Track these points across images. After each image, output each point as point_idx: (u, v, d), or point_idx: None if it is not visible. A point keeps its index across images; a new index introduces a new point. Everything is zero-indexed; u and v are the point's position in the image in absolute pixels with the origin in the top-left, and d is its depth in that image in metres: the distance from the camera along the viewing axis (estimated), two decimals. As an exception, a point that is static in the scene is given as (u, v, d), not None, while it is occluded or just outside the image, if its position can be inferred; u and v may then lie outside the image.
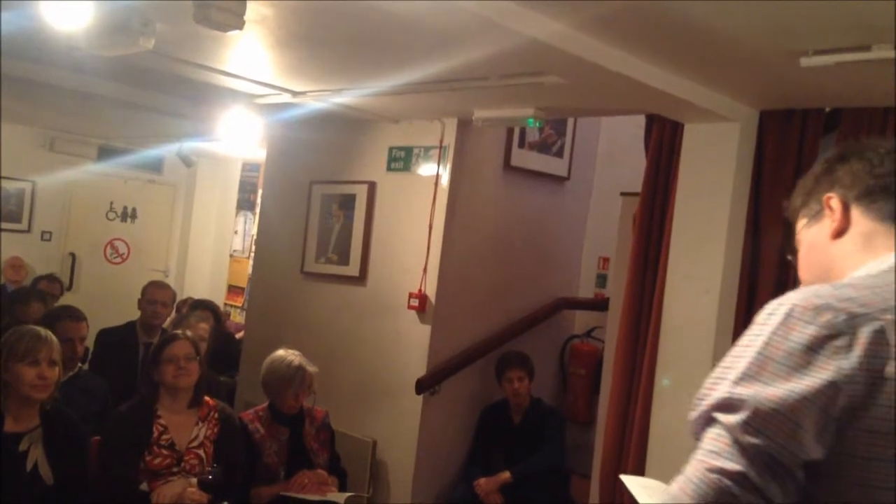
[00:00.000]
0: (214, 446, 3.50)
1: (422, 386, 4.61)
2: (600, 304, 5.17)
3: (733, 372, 1.14)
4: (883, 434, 1.08)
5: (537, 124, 4.29)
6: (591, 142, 5.58)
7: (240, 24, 2.70)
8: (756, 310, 3.81)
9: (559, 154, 5.34)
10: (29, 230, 8.11)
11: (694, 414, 1.17)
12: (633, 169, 4.54)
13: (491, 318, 5.02)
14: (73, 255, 8.40)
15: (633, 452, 3.99)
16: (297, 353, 3.90)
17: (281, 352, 3.92)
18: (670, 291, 3.88)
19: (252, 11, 2.84)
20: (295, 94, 4.39)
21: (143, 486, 3.29)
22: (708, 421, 1.14)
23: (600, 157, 5.65)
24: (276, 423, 3.81)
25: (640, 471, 3.92)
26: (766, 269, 3.72)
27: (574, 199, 5.54)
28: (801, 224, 1.44)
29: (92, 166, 8.26)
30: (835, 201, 1.35)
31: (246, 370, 5.52)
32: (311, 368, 3.84)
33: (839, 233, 1.34)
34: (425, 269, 4.65)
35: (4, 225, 7.78)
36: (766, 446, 1.08)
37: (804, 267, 1.42)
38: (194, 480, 3.30)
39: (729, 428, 1.10)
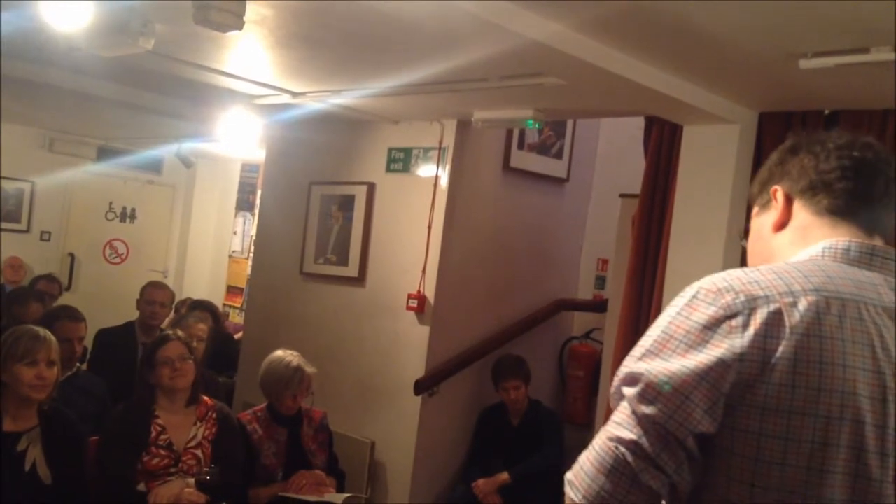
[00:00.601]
0: (212, 446, 3.50)
1: (420, 387, 4.61)
2: (599, 306, 5.17)
3: (640, 349, 1.22)
4: (775, 411, 1.13)
5: (537, 126, 4.29)
6: (591, 143, 5.58)
7: (239, 25, 2.70)
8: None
9: (558, 155, 5.35)
10: (28, 230, 8.11)
11: (612, 388, 1.25)
12: (632, 170, 4.54)
13: (489, 320, 5.02)
14: (72, 256, 8.40)
15: (631, 454, 3.98)
16: (295, 353, 3.90)
17: (279, 352, 3.92)
18: (669, 293, 3.88)
19: (251, 12, 2.84)
20: (294, 94, 4.39)
21: (141, 487, 3.28)
22: (619, 396, 1.22)
23: (599, 159, 5.65)
24: (275, 423, 3.80)
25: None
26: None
27: (573, 201, 5.54)
28: (753, 212, 1.47)
29: (91, 167, 8.26)
30: (779, 193, 1.38)
31: (244, 371, 5.51)
32: (310, 369, 3.84)
33: (780, 225, 1.37)
34: (424, 271, 4.65)
35: (4, 225, 7.77)
36: (657, 416, 1.15)
37: (750, 254, 1.46)
38: (192, 481, 3.29)
39: (629, 399, 1.19)
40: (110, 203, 8.68)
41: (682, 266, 3.84)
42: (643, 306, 4.08)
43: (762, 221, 1.42)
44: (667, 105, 3.57)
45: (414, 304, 4.65)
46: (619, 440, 1.17)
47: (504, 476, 4.48)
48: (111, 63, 3.77)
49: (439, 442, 4.78)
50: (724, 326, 1.16)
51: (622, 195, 4.60)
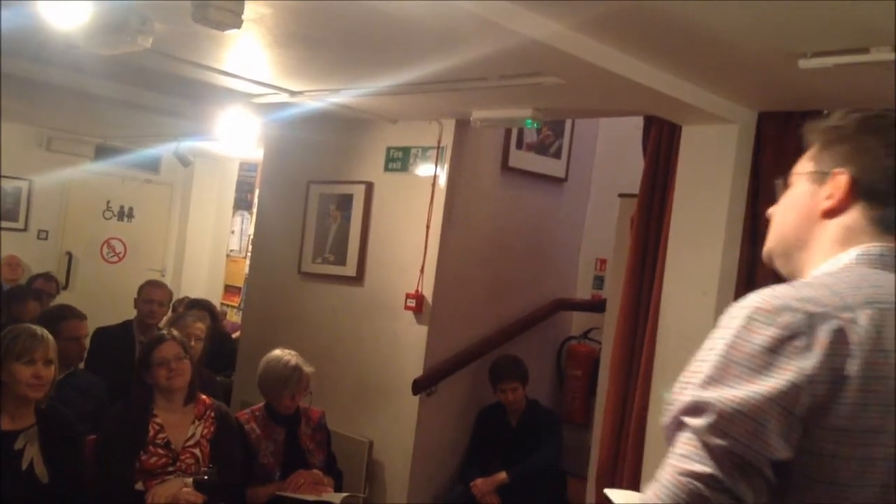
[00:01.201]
0: (210, 446, 3.50)
1: (418, 386, 4.61)
2: (597, 306, 5.17)
3: (698, 376, 1.15)
4: (848, 432, 1.09)
5: (535, 125, 4.29)
6: (589, 143, 5.58)
7: (238, 23, 2.70)
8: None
9: (557, 155, 5.35)
10: (26, 229, 8.09)
11: (665, 420, 1.18)
12: (630, 170, 4.54)
13: (488, 319, 5.01)
14: (69, 254, 8.39)
15: (629, 454, 3.98)
16: (293, 353, 3.90)
17: (277, 352, 3.91)
18: (667, 293, 3.88)
19: (250, 10, 2.84)
20: (293, 93, 4.38)
21: (139, 486, 3.28)
22: (678, 426, 1.15)
23: (598, 159, 5.65)
24: (273, 423, 3.80)
25: (636, 472, 3.92)
26: (763, 270, 3.72)
27: (572, 201, 5.54)
28: (804, 167, 1.36)
29: (89, 165, 8.24)
30: (843, 179, 1.28)
31: (242, 370, 5.51)
32: (308, 368, 3.84)
33: (832, 213, 1.29)
34: (422, 270, 4.64)
35: (1, 224, 7.76)
36: (732, 447, 1.09)
37: (781, 220, 1.37)
38: (190, 480, 3.29)
39: (696, 431, 1.11)
40: (108, 202, 8.67)
41: (680, 266, 3.84)
42: (642, 306, 4.08)
43: (811, 194, 1.32)
44: (666, 105, 3.57)
45: (412, 303, 4.64)
46: (693, 474, 1.10)
47: (502, 476, 4.48)
48: (109, 61, 3.76)
49: (437, 441, 4.77)
50: (788, 347, 1.10)
51: (621, 195, 4.60)
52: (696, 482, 1.10)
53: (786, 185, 1.38)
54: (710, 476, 1.09)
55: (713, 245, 3.73)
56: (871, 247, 1.24)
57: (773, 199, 3.92)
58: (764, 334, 1.12)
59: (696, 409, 1.13)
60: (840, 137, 1.32)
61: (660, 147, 4.09)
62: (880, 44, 2.67)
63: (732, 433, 1.09)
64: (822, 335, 1.10)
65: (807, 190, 1.32)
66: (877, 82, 2.98)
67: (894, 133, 1.29)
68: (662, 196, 4.04)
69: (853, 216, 1.27)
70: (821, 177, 1.31)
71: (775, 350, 1.11)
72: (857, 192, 1.27)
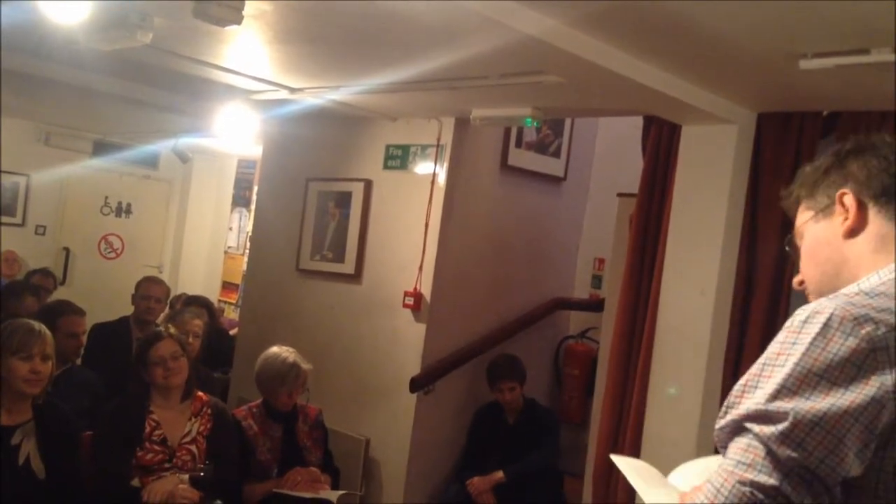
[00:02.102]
0: (207, 442, 3.49)
1: (416, 385, 4.60)
2: (595, 305, 5.17)
3: (770, 382, 1.10)
4: None
5: (535, 124, 4.29)
6: (589, 142, 5.58)
7: (238, 20, 2.69)
8: (752, 311, 3.80)
9: (556, 154, 5.34)
10: (23, 224, 8.08)
11: (721, 422, 1.14)
12: (630, 170, 4.54)
13: (486, 318, 5.01)
14: (67, 250, 8.38)
15: (626, 453, 3.98)
16: (291, 350, 3.90)
17: (275, 349, 3.91)
18: (666, 292, 3.88)
19: (250, 7, 2.83)
20: (292, 90, 4.38)
21: (135, 482, 3.28)
22: (737, 430, 1.11)
23: (597, 158, 5.65)
24: (270, 420, 3.80)
25: (633, 472, 3.91)
26: (761, 270, 3.72)
27: (570, 200, 5.53)
28: (804, 216, 1.38)
29: (87, 161, 8.25)
30: (849, 198, 1.29)
31: (240, 367, 5.51)
32: (306, 366, 3.84)
33: (853, 232, 1.29)
34: (421, 268, 4.64)
35: (-1, 219, 7.76)
36: (804, 460, 1.05)
37: (810, 263, 1.37)
38: (186, 477, 3.29)
39: (764, 439, 1.07)
40: (106, 197, 8.67)
41: (679, 266, 3.84)
42: (640, 306, 4.08)
43: (826, 227, 1.33)
44: (665, 104, 3.57)
45: (410, 301, 4.64)
46: (756, 484, 1.06)
47: (499, 475, 4.47)
48: (109, 57, 3.75)
49: (434, 440, 4.77)
50: (872, 361, 1.06)
51: (620, 194, 4.60)
52: (758, 493, 1.05)
53: (794, 247, 1.39)
54: (774, 488, 1.05)
55: (712, 245, 3.73)
56: None
57: (771, 200, 3.91)
58: (845, 345, 1.08)
59: (766, 417, 1.08)
60: (822, 174, 1.34)
61: (659, 147, 4.09)
62: (881, 45, 2.67)
63: (807, 446, 1.05)
64: None
65: (819, 229, 1.33)
66: (877, 83, 2.98)
67: (872, 142, 1.32)
68: (661, 196, 4.04)
69: (878, 223, 1.27)
70: (825, 210, 1.32)
71: (857, 363, 1.07)
72: (867, 199, 1.28)
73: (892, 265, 1.23)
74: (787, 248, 1.43)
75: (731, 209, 3.72)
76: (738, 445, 1.10)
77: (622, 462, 1.76)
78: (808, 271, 1.37)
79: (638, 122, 4.35)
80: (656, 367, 3.88)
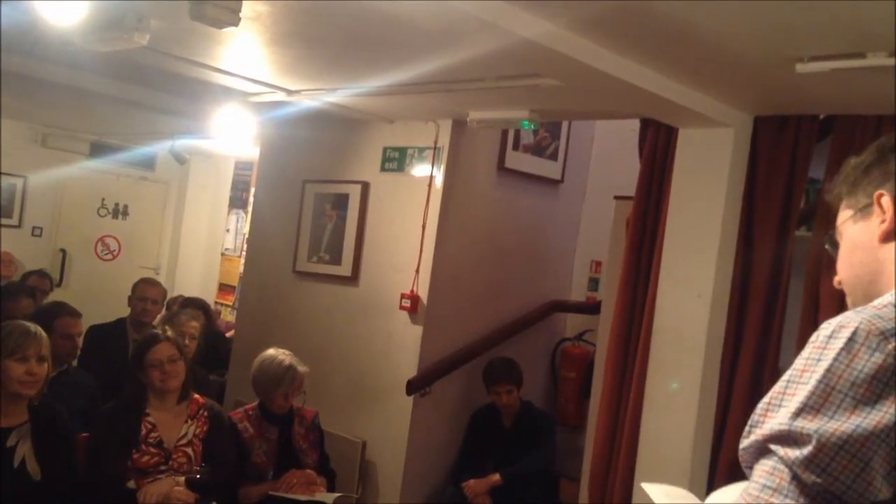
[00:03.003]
0: (203, 445, 3.49)
1: (412, 387, 4.60)
2: (592, 308, 5.17)
3: (793, 401, 1.06)
4: None
5: (532, 127, 4.29)
6: (586, 145, 5.58)
7: (235, 21, 2.69)
8: (748, 314, 3.80)
9: (553, 157, 5.35)
10: (20, 226, 8.07)
11: (746, 442, 1.10)
12: (626, 173, 4.54)
13: (483, 320, 5.01)
14: (63, 252, 8.37)
15: (622, 456, 3.98)
16: (287, 352, 3.89)
17: (271, 351, 3.91)
18: (662, 295, 3.88)
19: (247, 8, 2.83)
20: (289, 92, 4.38)
21: (131, 484, 3.27)
22: (762, 451, 1.08)
23: (594, 161, 5.65)
24: (266, 422, 3.79)
25: (629, 475, 3.92)
26: (758, 273, 3.73)
27: (567, 203, 5.54)
28: (844, 215, 1.31)
29: (84, 162, 8.23)
30: (886, 200, 1.22)
31: (236, 369, 5.50)
32: (302, 368, 3.83)
33: (890, 235, 1.22)
34: (418, 270, 4.64)
35: (-4, 220, 7.75)
36: (831, 486, 1.00)
37: (846, 265, 1.31)
38: (182, 479, 3.28)
39: (789, 463, 1.03)
40: (103, 199, 8.65)
41: (675, 268, 3.85)
42: (636, 309, 4.08)
43: (863, 229, 1.26)
44: (662, 107, 3.57)
45: (407, 303, 4.64)
46: None
47: (495, 477, 4.47)
48: (106, 58, 3.75)
49: (431, 442, 4.77)
50: None
51: (616, 197, 4.60)
52: None
53: (835, 245, 1.34)
54: None
55: (708, 248, 3.73)
56: None
57: (767, 203, 3.92)
58: (870, 361, 1.03)
59: (790, 438, 1.04)
60: (863, 173, 1.28)
61: (656, 150, 4.09)
62: (877, 49, 2.67)
63: (833, 471, 1.00)
64: None
65: (857, 230, 1.28)
66: (873, 87, 2.99)
67: None
68: (658, 199, 4.05)
69: None
70: (864, 210, 1.26)
71: (883, 380, 1.02)
72: None
73: None
74: (827, 247, 1.37)
75: (728, 212, 3.73)
76: (764, 468, 1.06)
77: (654, 489, 1.74)
78: (843, 273, 1.32)
79: (635, 124, 4.35)
80: (653, 369, 3.88)
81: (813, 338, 1.11)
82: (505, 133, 4.96)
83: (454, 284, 4.76)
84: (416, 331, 4.65)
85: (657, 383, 3.85)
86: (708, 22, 2.62)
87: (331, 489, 3.83)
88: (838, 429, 1.01)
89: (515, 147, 5.07)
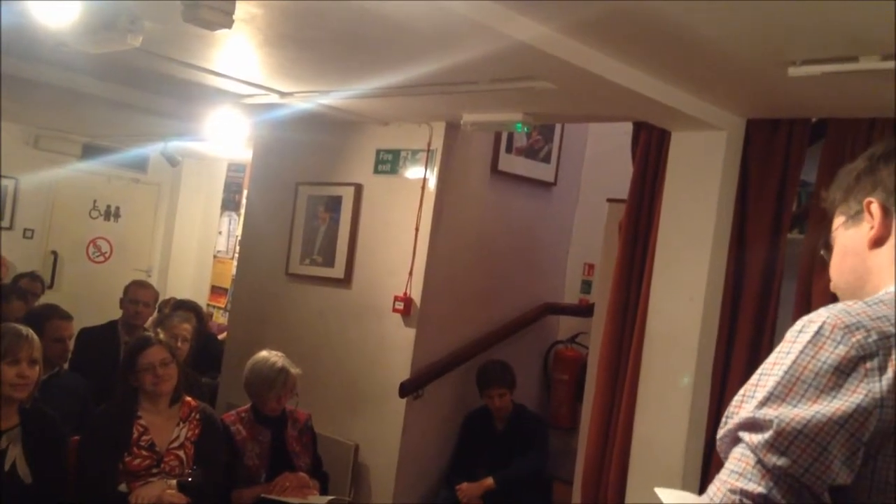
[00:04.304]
0: (195, 447, 3.48)
1: (405, 389, 4.60)
2: (585, 310, 5.17)
3: (760, 391, 1.11)
4: None
5: (525, 129, 4.30)
6: (579, 148, 5.59)
7: (228, 23, 2.69)
8: (740, 317, 3.82)
9: (546, 160, 5.35)
10: (11, 227, 8.03)
11: (721, 432, 1.15)
12: (619, 175, 4.55)
13: (476, 323, 5.01)
14: (55, 254, 8.33)
15: (615, 458, 3.99)
16: (280, 354, 3.89)
17: (264, 353, 3.90)
18: (655, 298, 3.89)
19: (241, 10, 2.83)
20: (282, 94, 4.37)
21: (123, 487, 3.26)
22: (734, 440, 1.12)
23: (587, 164, 5.66)
24: (259, 424, 3.79)
25: (622, 477, 3.92)
26: (750, 276, 3.73)
27: (560, 205, 5.54)
28: (837, 222, 1.35)
29: (76, 164, 8.20)
30: (875, 207, 1.26)
31: (228, 371, 5.49)
32: (295, 370, 3.83)
33: (878, 241, 1.26)
34: (411, 273, 4.64)
35: (-13, 222, 7.72)
36: (790, 468, 1.05)
37: (837, 271, 1.35)
38: (174, 482, 3.27)
39: (753, 448, 1.08)
40: (94, 201, 8.62)
41: (668, 271, 3.85)
42: (629, 311, 4.08)
43: (853, 235, 1.30)
44: (655, 110, 3.58)
45: (400, 306, 4.64)
46: (745, 493, 1.07)
47: (489, 481, 4.47)
48: (99, 60, 3.75)
49: (424, 445, 4.77)
50: (860, 369, 1.06)
51: (609, 200, 4.61)
52: (747, 501, 1.06)
53: (829, 249, 1.37)
54: (763, 497, 1.06)
55: (701, 251, 3.74)
56: None
57: (759, 206, 3.93)
58: (833, 353, 1.08)
59: (754, 424, 1.09)
60: (854, 180, 1.31)
61: (649, 153, 4.10)
62: (869, 53, 2.69)
63: (792, 454, 1.05)
64: None
65: (848, 235, 1.31)
66: (865, 90, 3.00)
67: None
68: (651, 201, 4.06)
69: None
70: (855, 216, 1.30)
71: (845, 370, 1.06)
72: (893, 207, 1.25)
73: None
74: (822, 252, 1.41)
75: (720, 215, 3.74)
76: (734, 455, 1.12)
77: (666, 494, 1.77)
78: (835, 277, 1.36)
79: (628, 127, 4.36)
80: (645, 372, 3.88)
81: (788, 332, 1.15)
82: (498, 136, 4.97)
83: (447, 287, 4.76)
84: (409, 333, 4.64)
85: (650, 386, 3.86)
86: (701, 25, 2.63)
87: (324, 492, 3.82)
88: (798, 415, 1.06)
89: (509, 150, 5.08)
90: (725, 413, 1.16)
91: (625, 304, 4.10)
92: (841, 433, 1.05)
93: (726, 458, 1.14)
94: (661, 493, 1.74)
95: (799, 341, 1.11)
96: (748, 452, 1.09)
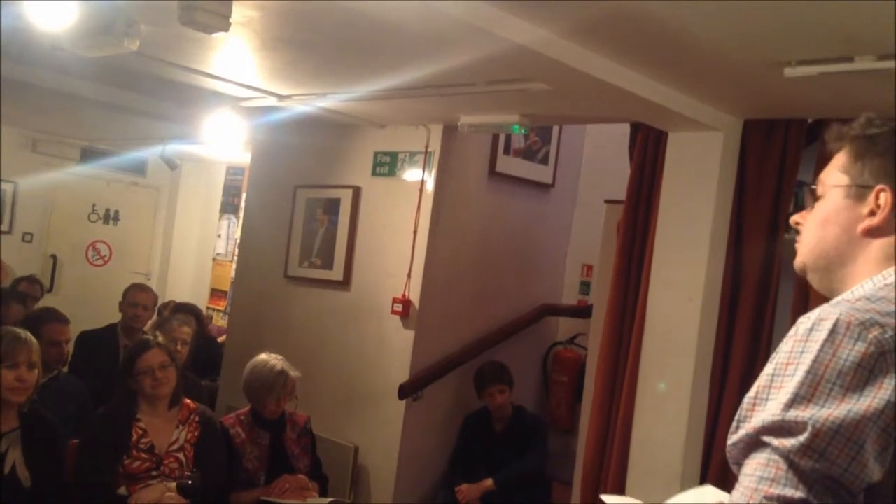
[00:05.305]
0: (194, 450, 3.48)
1: (404, 391, 4.60)
2: (583, 311, 5.18)
3: (782, 393, 1.08)
4: None
5: (523, 131, 4.30)
6: (577, 149, 5.60)
7: (225, 27, 2.69)
8: (738, 317, 3.81)
9: (544, 161, 5.36)
10: (10, 231, 8.03)
11: (734, 437, 1.11)
12: (617, 177, 4.56)
13: (474, 324, 5.01)
14: (54, 257, 8.33)
15: (614, 459, 3.99)
16: (279, 357, 3.89)
17: (263, 356, 3.90)
18: (653, 299, 3.89)
19: (238, 14, 2.83)
20: (280, 97, 4.38)
21: (122, 490, 3.26)
22: (753, 445, 1.09)
23: (585, 165, 5.66)
24: (258, 427, 3.79)
25: (621, 478, 3.92)
26: (748, 277, 3.74)
27: (558, 206, 5.55)
28: (836, 177, 1.29)
29: (74, 168, 8.20)
30: (886, 197, 1.22)
31: (228, 374, 5.49)
32: (294, 373, 3.83)
33: (874, 231, 1.22)
34: (409, 275, 4.64)
35: (-15, 226, 7.71)
36: (828, 470, 1.03)
37: (815, 230, 1.29)
38: (173, 485, 3.27)
39: (784, 452, 1.05)
40: (93, 204, 8.62)
41: (666, 272, 3.86)
42: (627, 312, 4.09)
43: (847, 208, 1.25)
44: (652, 111, 3.58)
45: (399, 308, 4.64)
46: (783, 499, 1.03)
47: (489, 482, 4.47)
48: (95, 64, 3.75)
49: (423, 447, 4.77)
50: (881, 364, 1.05)
51: (607, 201, 4.61)
52: None
53: (814, 195, 1.31)
54: (802, 501, 1.03)
55: (699, 251, 3.74)
56: None
57: (756, 206, 3.93)
58: (854, 350, 1.06)
59: (783, 428, 1.05)
60: (876, 148, 1.26)
61: (646, 154, 4.11)
62: (864, 53, 2.69)
63: (829, 455, 1.02)
64: None
65: (844, 204, 1.26)
66: (861, 91, 3.00)
67: None
68: (648, 202, 4.06)
69: None
70: (860, 192, 1.24)
71: (868, 367, 1.05)
72: None
73: (889, 271, 1.20)
74: (799, 192, 1.38)
75: (718, 215, 3.74)
76: (757, 461, 1.07)
77: (612, 500, 1.75)
78: (811, 230, 1.31)
79: (625, 128, 4.37)
80: (644, 373, 3.89)
81: (792, 332, 1.13)
82: (496, 137, 4.97)
83: (446, 289, 4.77)
84: (408, 335, 4.65)
85: (649, 386, 3.86)
86: (697, 26, 2.64)
87: (323, 494, 3.82)
88: (831, 414, 1.03)
89: (506, 151, 5.08)
90: (737, 417, 1.12)
91: (623, 305, 4.10)
92: (874, 430, 1.03)
93: (739, 464, 1.10)
94: (609, 499, 1.74)
95: (814, 340, 1.09)
96: (777, 457, 1.05)
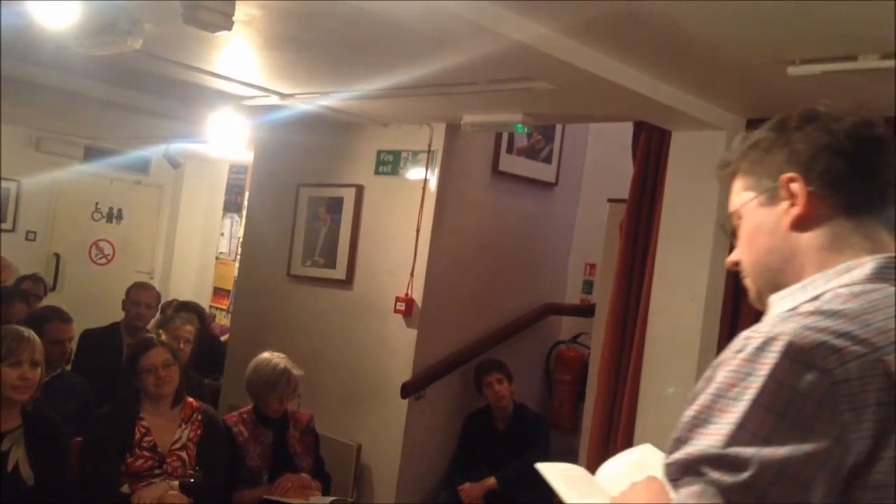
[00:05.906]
0: (197, 448, 3.48)
1: (407, 390, 4.60)
2: (586, 310, 5.18)
3: (724, 421, 0.98)
4: (888, 486, 0.97)
5: (526, 130, 4.30)
6: (580, 148, 5.59)
7: (228, 25, 2.69)
8: (742, 318, 3.81)
9: (547, 160, 5.35)
10: (13, 230, 8.04)
11: (672, 457, 1.03)
12: (620, 176, 4.55)
13: (477, 323, 5.01)
14: (57, 256, 8.35)
15: (617, 459, 3.99)
16: (282, 355, 3.89)
17: (266, 354, 3.90)
18: (656, 298, 3.89)
19: (241, 12, 2.83)
20: (283, 96, 4.38)
21: (125, 489, 3.26)
22: (689, 470, 1.00)
23: (588, 164, 5.66)
24: (261, 425, 3.79)
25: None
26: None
27: (561, 205, 5.54)
28: (744, 196, 1.23)
29: (78, 166, 8.21)
30: (797, 186, 1.15)
31: (231, 373, 5.49)
32: (297, 371, 3.83)
33: (801, 220, 1.15)
34: (412, 274, 4.64)
35: (-10, 224, 7.73)
36: None
37: (749, 249, 1.23)
38: (176, 483, 3.28)
39: (724, 488, 0.96)
40: (97, 203, 8.63)
41: (669, 271, 3.85)
42: (630, 311, 4.09)
43: (767, 214, 1.19)
44: (655, 110, 3.58)
45: (401, 307, 4.64)
46: None
47: (491, 481, 4.46)
48: (99, 62, 3.75)
49: (425, 445, 4.77)
50: (833, 397, 0.96)
51: (610, 200, 4.61)
52: None
53: (734, 228, 1.26)
54: None
55: (702, 251, 3.74)
56: (888, 258, 1.11)
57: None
58: (805, 380, 0.96)
59: (723, 462, 0.96)
60: (764, 151, 1.21)
61: (649, 152, 4.10)
62: (868, 51, 2.69)
63: (771, 497, 0.94)
64: (873, 383, 0.97)
65: (761, 214, 1.20)
66: (865, 89, 3.00)
67: (814, 116, 1.19)
68: (651, 201, 4.06)
69: (824, 212, 1.15)
70: (770, 194, 1.19)
71: (819, 400, 0.95)
72: (812, 182, 1.15)
73: (839, 268, 1.12)
74: (722, 230, 1.27)
75: (721, 215, 3.73)
76: (693, 489, 0.98)
77: (548, 469, 1.70)
78: (745, 256, 1.25)
79: (628, 127, 4.37)
80: (647, 372, 3.88)
81: (738, 346, 1.03)
82: (499, 136, 4.97)
83: (448, 288, 4.77)
84: (411, 334, 4.65)
85: (651, 386, 3.86)
86: (700, 25, 2.63)
87: (326, 493, 3.82)
88: (776, 453, 0.94)
89: (509, 150, 5.08)
90: (676, 434, 1.04)
91: (626, 304, 4.10)
92: (821, 470, 0.95)
93: (674, 483, 1.02)
94: (543, 467, 1.69)
95: (762, 362, 0.99)
96: (712, 490, 0.96)
